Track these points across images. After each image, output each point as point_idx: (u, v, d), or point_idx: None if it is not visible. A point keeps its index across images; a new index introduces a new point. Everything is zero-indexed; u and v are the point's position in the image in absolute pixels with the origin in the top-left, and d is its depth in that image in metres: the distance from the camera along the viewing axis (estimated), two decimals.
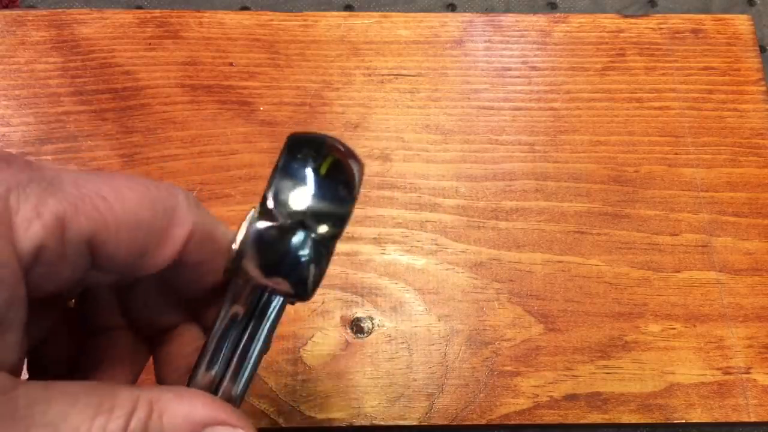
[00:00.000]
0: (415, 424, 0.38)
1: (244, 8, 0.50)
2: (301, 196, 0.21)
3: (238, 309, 0.24)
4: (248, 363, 0.24)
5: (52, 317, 0.26)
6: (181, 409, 0.22)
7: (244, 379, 0.24)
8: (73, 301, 0.27)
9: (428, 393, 0.38)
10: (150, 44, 0.46)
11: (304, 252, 0.21)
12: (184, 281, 0.25)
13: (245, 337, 0.24)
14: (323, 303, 0.40)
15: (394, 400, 0.38)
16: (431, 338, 0.39)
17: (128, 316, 0.27)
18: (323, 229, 0.22)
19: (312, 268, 0.22)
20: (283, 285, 0.22)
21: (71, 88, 0.44)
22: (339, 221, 0.22)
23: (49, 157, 0.43)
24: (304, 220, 0.22)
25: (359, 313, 0.40)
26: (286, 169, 0.22)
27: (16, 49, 0.45)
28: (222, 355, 0.24)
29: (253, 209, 0.22)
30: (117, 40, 0.46)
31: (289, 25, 0.47)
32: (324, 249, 0.22)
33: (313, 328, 0.39)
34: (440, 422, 0.38)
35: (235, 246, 0.22)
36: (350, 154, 0.23)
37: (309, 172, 0.22)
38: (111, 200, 0.22)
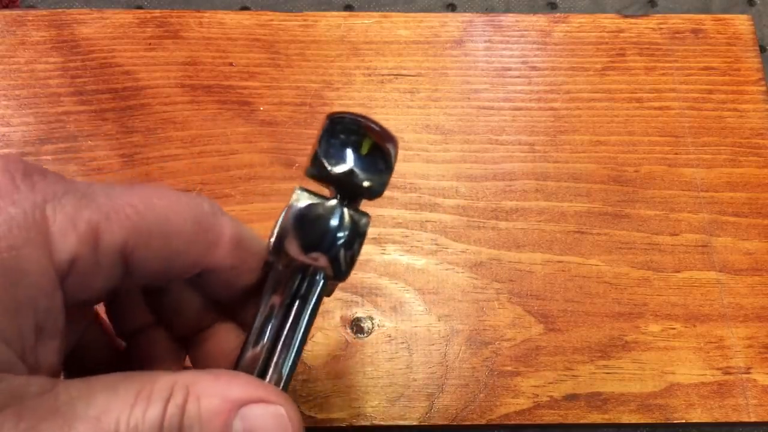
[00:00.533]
0: (415, 424, 0.38)
1: (244, 8, 0.50)
2: (342, 169, 0.23)
3: (278, 298, 0.25)
4: (293, 347, 0.25)
5: (86, 322, 0.26)
6: (217, 389, 0.22)
7: (289, 364, 0.25)
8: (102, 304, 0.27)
9: (428, 393, 0.38)
10: (150, 44, 0.46)
11: (343, 226, 0.23)
12: (218, 284, 0.26)
13: (289, 322, 0.25)
14: (323, 303, 0.40)
15: (394, 400, 0.38)
16: (431, 338, 0.39)
17: (161, 317, 0.27)
18: (361, 197, 0.24)
19: (349, 243, 0.23)
20: (322, 260, 0.23)
21: (71, 88, 0.44)
22: (377, 191, 0.24)
23: (49, 157, 0.43)
24: (342, 192, 0.23)
25: (359, 313, 0.40)
26: (328, 146, 0.23)
27: (16, 49, 0.45)
28: (266, 341, 0.25)
29: (294, 195, 0.23)
30: (117, 40, 0.46)
31: (289, 25, 0.47)
32: (359, 226, 0.23)
33: (313, 328, 0.39)
34: (440, 422, 0.38)
35: (272, 236, 0.23)
36: (386, 132, 0.24)
37: (349, 150, 0.23)
38: (142, 209, 0.22)
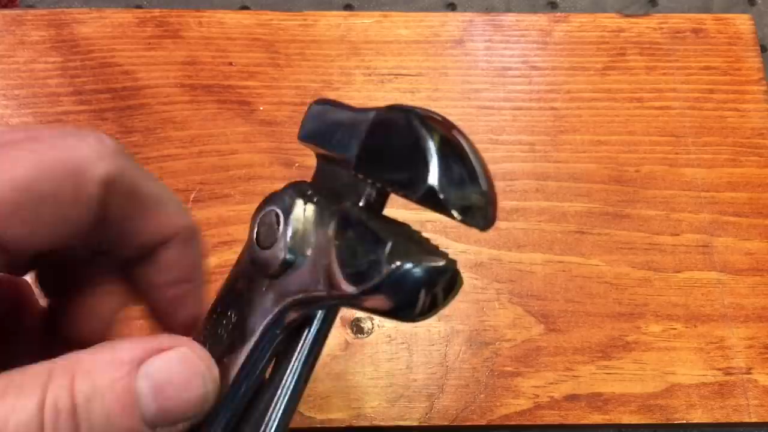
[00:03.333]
0: (415, 424, 0.38)
1: (244, 8, 0.50)
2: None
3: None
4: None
5: None
6: (104, 357, 0.19)
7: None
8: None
9: (428, 393, 0.38)
10: (149, 44, 0.46)
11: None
12: (109, 238, 0.23)
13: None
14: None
15: (394, 400, 0.38)
16: (431, 338, 0.39)
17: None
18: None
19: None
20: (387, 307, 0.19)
21: (70, 88, 0.44)
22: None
23: None
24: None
25: (359, 313, 0.40)
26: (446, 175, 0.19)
27: (15, 48, 0.45)
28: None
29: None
30: (116, 40, 0.46)
31: (288, 25, 0.47)
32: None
33: None
34: (440, 423, 0.38)
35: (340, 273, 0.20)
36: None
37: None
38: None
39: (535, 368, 0.39)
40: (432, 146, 0.19)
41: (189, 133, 0.44)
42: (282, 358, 0.23)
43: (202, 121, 0.44)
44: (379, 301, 0.19)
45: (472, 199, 0.19)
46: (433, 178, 0.19)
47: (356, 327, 0.39)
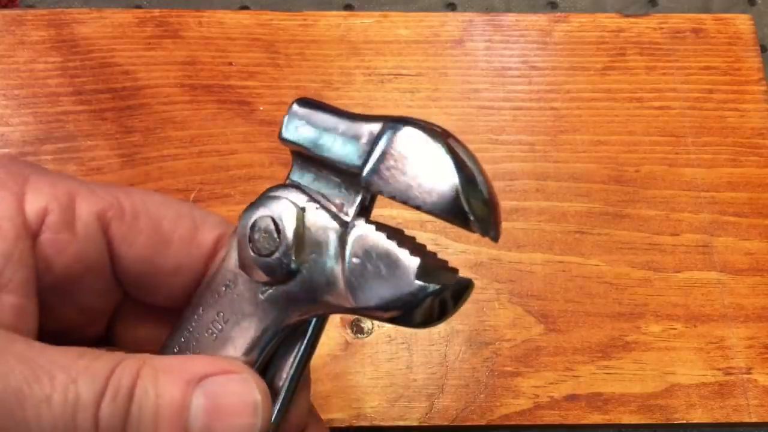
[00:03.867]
0: (415, 424, 0.38)
1: (244, 8, 0.50)
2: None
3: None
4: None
5: (78, 303, 0.24)
6: (174, 362, 0.20)
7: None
8: None
9: (428, 393, 0.38)
10: (149, 44, 0.46)
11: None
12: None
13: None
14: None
15: (394, 400, 0.38)
16: (431, 338, 0.39)
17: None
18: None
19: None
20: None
21: (70, 88, 0.44)
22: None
23: (48, 157, 0.43)
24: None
25: None
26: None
27: (15, 48, 0.45)
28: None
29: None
30: (116, 40, 0.46)
31: (288, 25, 0.47)
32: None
33: None
34: (440, 423, 0.38)
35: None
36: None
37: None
38: (130, 193, 0.22)
39: (535, 368, 0.39)
40: (453, 165, 0.20)
41: (189, 133, 0.44)
42: (279, 357, 0.23)
43: (202, 121, 0.44)
44: (394, 313, 0.20)
45: (486, 214, 0.20)
46: (458, 197, 0.19)
47: (356, 327, 0.39)
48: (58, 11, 0.46)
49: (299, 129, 0.22)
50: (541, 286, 0.41)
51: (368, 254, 0.20)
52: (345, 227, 0.21)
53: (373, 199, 0.22)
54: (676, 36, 0.48)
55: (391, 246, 0.20)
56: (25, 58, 0.45)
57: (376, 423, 0.37)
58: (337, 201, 0.22)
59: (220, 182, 0.42)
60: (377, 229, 0.21)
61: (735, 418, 0.38)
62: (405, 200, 0.20)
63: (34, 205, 0.20)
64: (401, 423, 0.38)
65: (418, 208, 0.20)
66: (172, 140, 0.43)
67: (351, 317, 0.39)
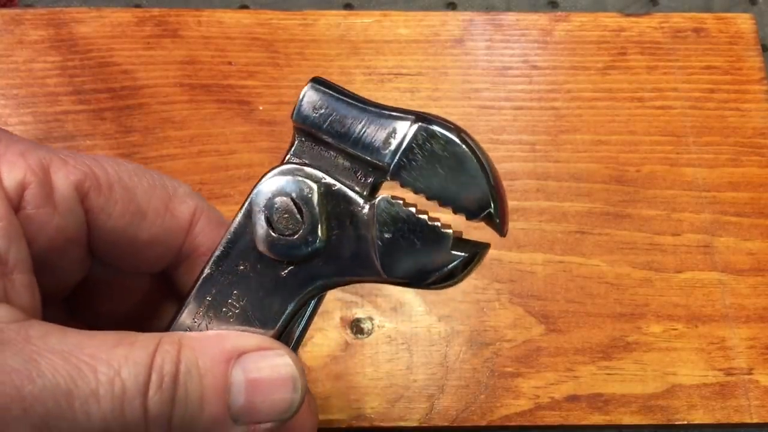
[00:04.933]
0: (415, 425, 0.37)
1: (243, 7, 0.50)
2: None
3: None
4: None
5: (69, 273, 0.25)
6: (210, 341, 0.20)
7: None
8: None
9: (428, 394, 0.38)
10: (148, 43, 0.46)
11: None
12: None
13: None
14: (323, 303, 0.39)
15: (394, 401, 0.38)
16: (431, 339, 0.39)
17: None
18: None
19: None
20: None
21: (69, 88, 0.44)
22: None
23: None
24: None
25: (359, 313, 0.40)
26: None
27: (14, 48, 0.45)
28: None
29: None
30: (115, 39, 0.45)
31: (288, 24, 0.47)
32: None
33: (312, 329, 0.39)
34: (440, 423, 0.37)
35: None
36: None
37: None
38: (102, 162, 0.22)
39: (536, 369, 0.39)
40: (483, 168, 0.21)
41: (188, 133, 0.43)
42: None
43: (202, 120, 0.44)
44: (427, 282, 0.22)
45: (504, 213, 0.22)
46: (490, 201, 0.21)
47: (356, 328, 0.39)
48: (57, 10, 0.46)
49: (318, 111, 0.23)
50: (542, 286, 0.41)
51: (400, 229, 0.22)
52: (369, 204, 0.22)
53: (380, 184, 0.23)
54: (677, 35, 0.47)
55: (423, 220, 0.22)
56: (24, 58, 0.45)
57: (376, 424, 0.37)
58: (346, 181, 0.22)
59: (220, 182, 0.42)
60: (409, 211, 0.22)
61: (736, 419, 0.38)
62: (430, 196, 0.21)
63: (11, 178, 0.20)
64: (401, 424, 0.37)
65: (442, 203, 0.21)
66: (172, 140, 0.43)
67: (351, 318, 0.39)
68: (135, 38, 0.46)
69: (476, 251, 0.22)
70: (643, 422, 0.38)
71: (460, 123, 0.22)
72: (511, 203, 0.43)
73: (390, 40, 0.47)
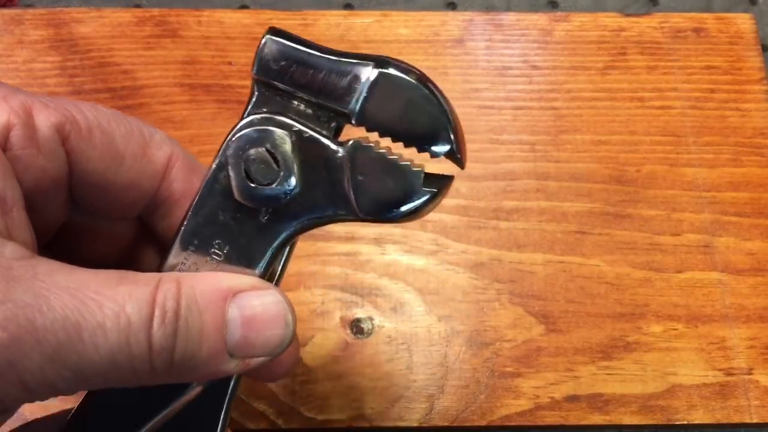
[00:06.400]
0: (415, 425, 0.37)
1: (243, 7, 0.50)
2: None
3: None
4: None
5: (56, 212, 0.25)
6: (207, 280, 0.22)
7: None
8: None
9: (428, 394, 0.38)
10: (148, 43, 0.46)
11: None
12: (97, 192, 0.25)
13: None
14: (323, 303, 0.40)
15: (394, 401, 0.38)
16: (431, 339, 0.39)
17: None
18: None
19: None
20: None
21: (69, 88, 0.44)
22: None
23: None
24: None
25: (359, 313, 0.40)
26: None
27: (14, 48, 0.45)
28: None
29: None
30: (115, 39, 0.45)
31: (288, 24, 0.47)
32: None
33: (312, 329, 0.39)
34: (440, 424, 0.37)
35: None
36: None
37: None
38: (81, 106, 0.22)
39: (536, 369, 0.39)
40: (440, 102, 0.23)
41: (188, 133, 0.43)
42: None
43: (202, 120, 0.44)
44: (399, 218, 0.23)
45: (462, 146, 0.23)
46: (453, 138, 0.23)
47: (356, 328, 0.39)
48: (56, 10, 0.46)
49: (279, 63, 0.24)
50: (542, 286, 0.41)
51: (374, 170, 0.23)
52: (341, 148, 0.23)
53: (341, 127, 0.24)
54: (677, 35, 0.47)
55: (395, 160, 0.23)
56: (23, 58, 0.45)
57: (376, 424, 0.37)
58: (315, 127, 0.23)
59: None
60: (381, 152, 0.23)
61: (736, 419, 0.38)
62: (391, 134, 0.22)
63: None
64: (401, 424, 0.37)
65: (402, 140, 0.22)
66: None
67: (351, 318, 0.39)
68: (135, 38, 0.46)
69: (442, 184, 0.23)
70: (643, 422, 0.38)
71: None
72: (511, 203, 0.43)
73: (390, 40, 0.47)
